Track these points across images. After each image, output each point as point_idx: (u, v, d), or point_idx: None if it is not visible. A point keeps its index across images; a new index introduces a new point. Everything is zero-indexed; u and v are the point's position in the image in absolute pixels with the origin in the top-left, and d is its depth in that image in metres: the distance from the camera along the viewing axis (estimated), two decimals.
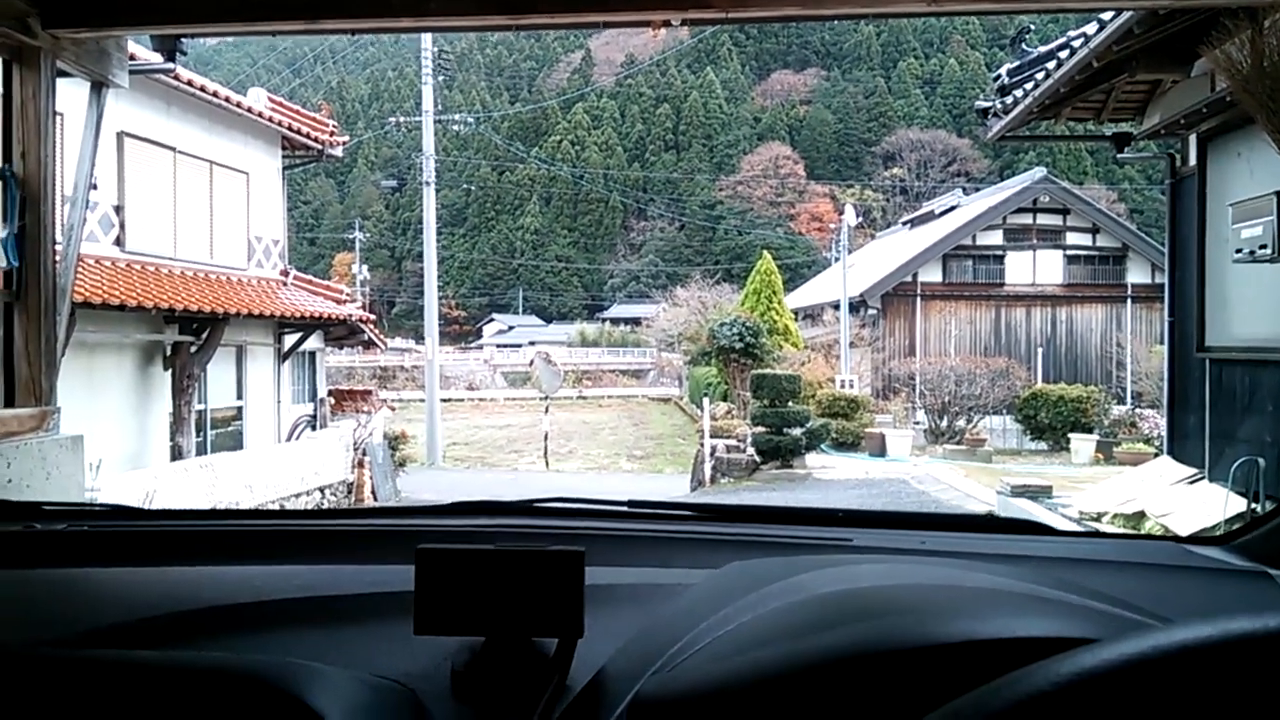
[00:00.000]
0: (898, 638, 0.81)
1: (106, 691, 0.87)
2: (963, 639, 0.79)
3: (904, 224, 38.65)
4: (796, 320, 29.13)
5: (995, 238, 26.65)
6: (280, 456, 13.96)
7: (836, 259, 30.09)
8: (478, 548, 0.96)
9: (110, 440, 10.75)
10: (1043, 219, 26.56)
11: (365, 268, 56.88)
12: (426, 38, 26.64)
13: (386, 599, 1.11)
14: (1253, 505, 6.84)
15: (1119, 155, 10.09)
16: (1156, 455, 11.30)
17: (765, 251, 31.38)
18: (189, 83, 12.57)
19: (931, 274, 26.36)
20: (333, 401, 17.52)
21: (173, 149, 12.83)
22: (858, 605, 0.94)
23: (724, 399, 23.50)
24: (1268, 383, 7.16)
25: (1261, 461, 6.85)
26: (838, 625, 0.86)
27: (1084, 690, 0.52)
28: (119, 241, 11.99)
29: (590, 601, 0.95)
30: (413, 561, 0.96)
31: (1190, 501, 7.83)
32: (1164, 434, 10.05)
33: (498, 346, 59.61)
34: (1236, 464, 7.09)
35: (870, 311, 26.26)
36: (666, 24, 4.67)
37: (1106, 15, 6.97)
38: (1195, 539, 1.45)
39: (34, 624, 1.10)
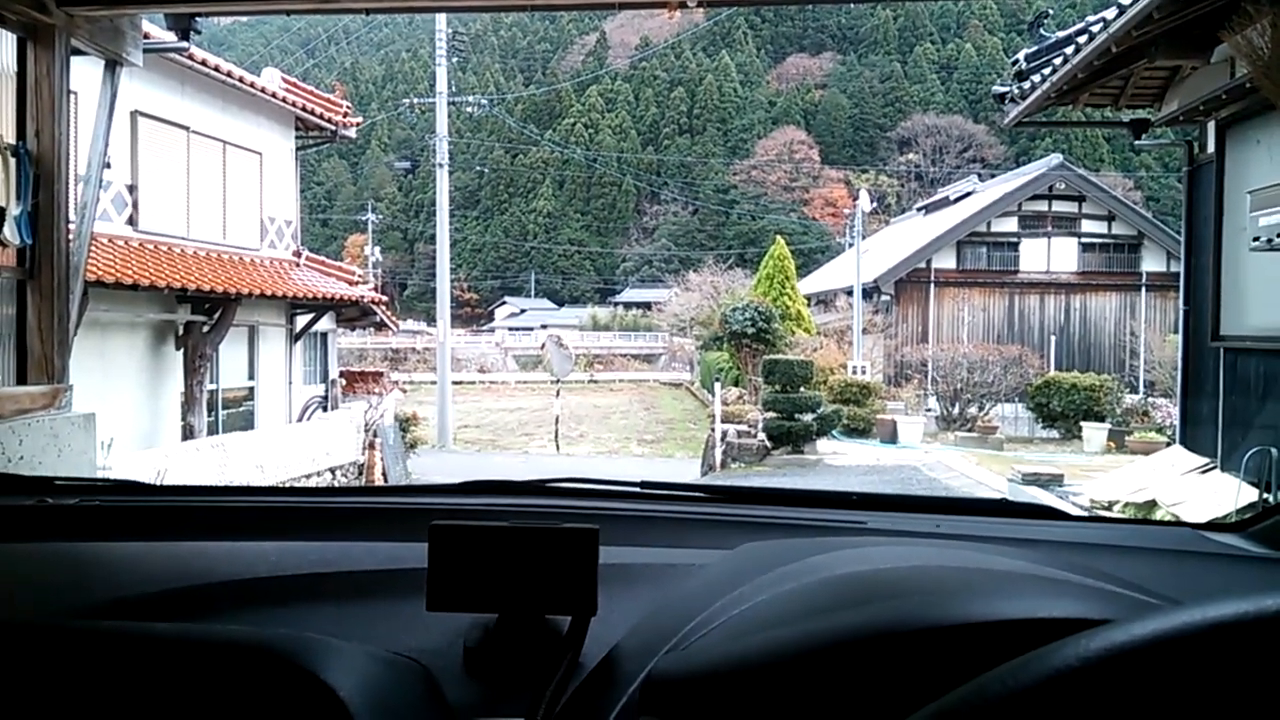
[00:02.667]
0: (916, 618, 0.80)
1: (119, 663, 0.87)
2: (982, 619, 0.78)
3: (918, 210, 38.50)
4: (809, 306, 29.07)
5: (1010, 225, 26.53)
6: (291, 437, 14.01)
7: (850, 244, 30.03)
8: (492, 524, 0.96)
9: (122, 419, 10.80)
10: (1058, 206, 26.42)
11: (377, 249, 56.94)
12: (441, 19, 26.58)
13: (400, 575, 1.11)
14: (1265, 495, 6.81)
15: (1136, 142, 10.03)
16: (1169, 444, 11.26)
17: (779, 236, 31.29)
18: (203, 62, 12.57)
19: (945, 260, 26.27)
20: (344, 383, 17.56)
21: (186, 129, 12.84)
22: (875, 586, 0.93)
23: (735, 384, 23.48)
24: None
25: (1275, 451, 6.82)
26: (854, 606, 0.86)
27: (1114, 666, 0.52)
28: (132, 221, 12.02)
29: (603, 580, 0.95)
30: (426, 539, 0.96)
31: (1202, 491, 7.80)
32: (1176, 423, 10.01)
33: (509, 329, 59.71)
34: (1249, 454, 7.06)
35: (883, 298, 26.18)
36: (682, 6, 4.65)
37: (1126, 0, 6.91)
38: (1211, 525, 1.44)
39: (46, 597, 1.10)
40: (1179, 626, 0.52)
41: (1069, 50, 8.29)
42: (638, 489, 1.54)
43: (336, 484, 14.69)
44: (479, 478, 1.61)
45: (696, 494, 1.59)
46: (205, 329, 12.45)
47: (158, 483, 9.72)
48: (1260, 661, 0.50)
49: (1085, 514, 7.21)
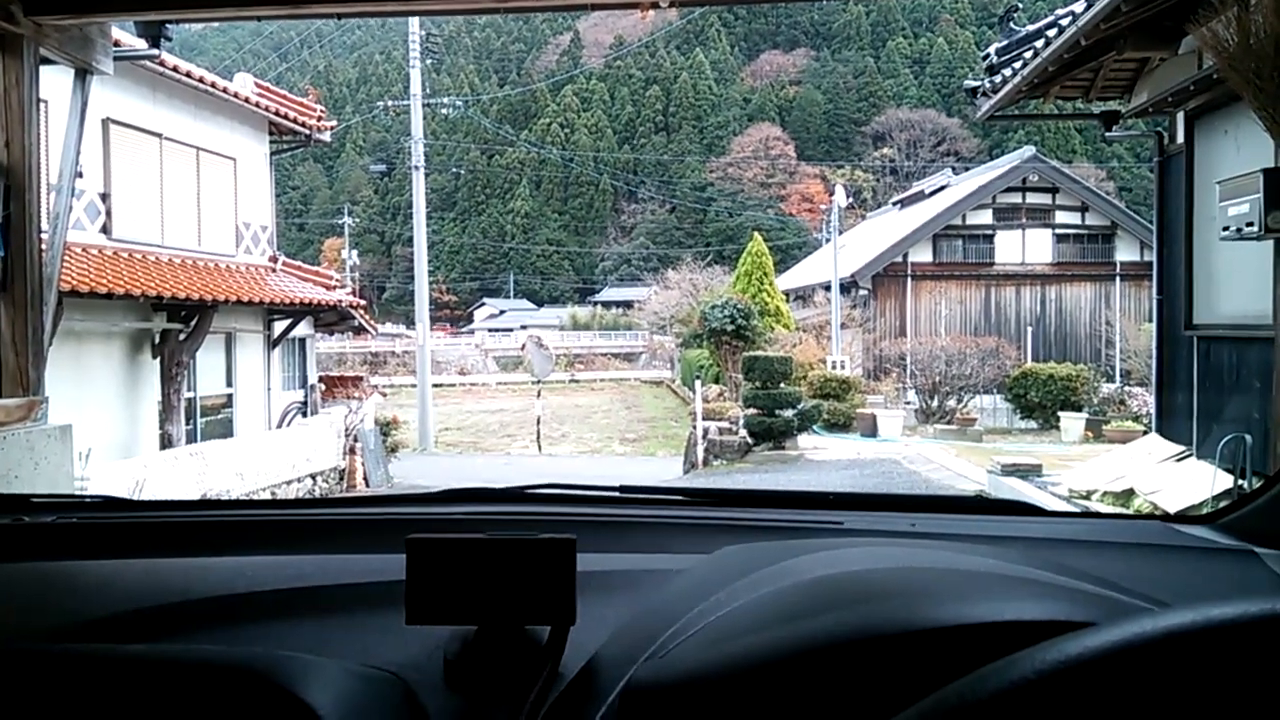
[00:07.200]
0: (889, 622, 0.81)
1: (96, 686, 0.87)
2: (953, 623, 0.79)
3: (894, 204, 38.61)
4: (788, 302, 29.13)
5: (985, 217, 26.64)
6: (271, 444, 13.94)
7: (827, 240, 30.07)
8: (468, 536, 0.96)
9: (99, 429, 10.72)
10: (1032, 198, 26.55)
11: (355, 253, 56.69)
12: (414, 21, 26.48)
13: (378, 589, 1.11)
14: (1239, 482, 6.88)
15: (1107, 133, 10.11)
16: (1145, 433, 11.35)
17: (756, 233, 31.36)
18: (174, 68, 12.48)
19: (922, 254, 26.36)
20: (323, 388, 17.48)
21: (159, 135, 12.75)
22: (849, 589, 0.94)
23: (716, 381, 23.52)
24: (1254, 360, 7.19)
25: (1248, 438, 6.89)
26: (829, 610, 0.87)
27: (1068, 678, 0.53)
28: (105, 229, 11.93)
29: (582, 588, 0.95)
30: (403, 551, 0.96)
31: (1179, 479, 7.88)
32: (1153, 411, 10.10)
33: (489, 331, 59.61)
34: (1224, 441, 7.13)
35: (861, 292, 26.26)
36: (655, 5, 4.66)
37: None
38: (1182, 518, 1.45)
39: (22, 618, 1.10)
40: (1132, 637, 0.53)
41: (1039, 44, 8.35)
42: (616, 493, 1.55)
43: (318, 490, 14.62)
44: (460, 481, 1.61)
45: (675, 497, 1.59)
46: (182, 336, 12.36)
47: (136, 493, 9.67)
48: (1208, 672, 0.51)
49: (1058, 509, 7.28)
